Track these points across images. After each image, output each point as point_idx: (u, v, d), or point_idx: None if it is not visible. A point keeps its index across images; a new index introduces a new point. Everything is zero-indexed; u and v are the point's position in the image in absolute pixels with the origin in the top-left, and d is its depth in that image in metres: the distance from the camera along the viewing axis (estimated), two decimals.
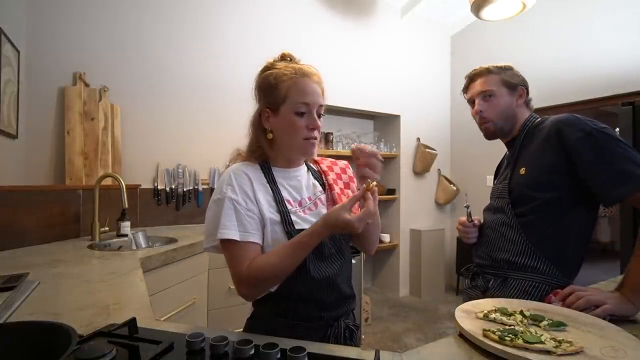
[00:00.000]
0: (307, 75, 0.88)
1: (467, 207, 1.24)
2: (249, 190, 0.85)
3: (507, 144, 1.24)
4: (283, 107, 0.87)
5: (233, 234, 0.81)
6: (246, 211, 0.83)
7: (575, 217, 1.04)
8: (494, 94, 1.16)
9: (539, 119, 1.16)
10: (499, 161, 1.32)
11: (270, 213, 0.85)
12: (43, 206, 1.80)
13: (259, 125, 0.91)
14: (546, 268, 1.04)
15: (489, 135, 1.22)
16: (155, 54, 2.54)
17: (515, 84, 1.17)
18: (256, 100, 0.94)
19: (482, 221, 1.24)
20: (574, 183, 1.00)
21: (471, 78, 1.22)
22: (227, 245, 0.82)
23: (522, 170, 1.09)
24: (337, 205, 0.78)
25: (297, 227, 0.85)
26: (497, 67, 1.19)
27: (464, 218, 1.24)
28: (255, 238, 0.83)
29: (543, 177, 1.04)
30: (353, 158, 0.88)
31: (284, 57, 0.93)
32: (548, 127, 1.06)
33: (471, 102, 1.23)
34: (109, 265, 1.34)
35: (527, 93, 1.20)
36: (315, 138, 0.89)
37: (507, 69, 1.19)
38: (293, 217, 0.86)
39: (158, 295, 1.52)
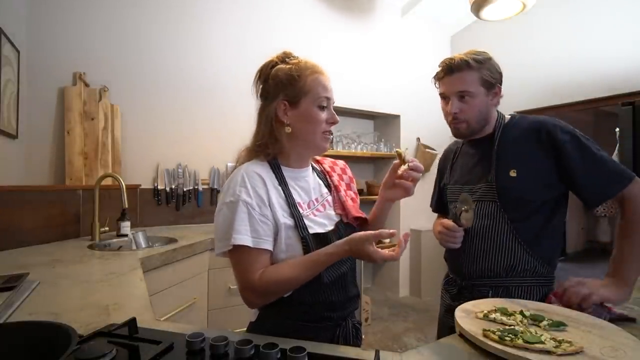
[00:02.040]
0: (323, 72, 0.90)
1: (466, 210, 1.05)
2: (264, 193, 0.82)
3: (473, 142, 1.17)
4: (304, 100, 0.86)
5: (246, 239, 0.77)
6: (260, 216, 0.80)
7: (561, 215, 1.07)
8: (471, 94, 1.05)
9: (507, 116, 1.14)
10: None
11: (284, 218, 0.82)
12: (43, 206, 1.80)
13: (276, 118, 0.87)
14: (543, 269, 1.04)
15: (459, 135, 1.14)
16: (155, 54, 2.54)
17: (492, 83, 1.07)
18: (262, 94, 0.91)
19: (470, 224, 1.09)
20: (563, 183, 1.02)
21: (447, 71, 1.08)
22: (239, 252, 0.79)
23: (513, 172, 1.03)
24: (361, 234, 0.74)
25: (311, 231, 0.83)
26: (476, 60, 1.05)
27: (450, 221, 1.08)
28: (268, 245, 0.80)
29: (539, 179, 1.02)
30: (403, 161, 0.90)
31: (286, 54, 0.92)
32: (534, 128, 1.05)
33: (444, 96, 1.12)
34: (109, 265, 1.34)
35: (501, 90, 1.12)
36: (332, 133, 0.90)
37: (486, 61, 1.07)
38: (306, 222, 0.84)
39: (158, 295, 1.52)
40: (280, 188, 0.86)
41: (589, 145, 0.98)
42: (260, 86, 0.92)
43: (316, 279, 0.80)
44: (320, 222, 0.88)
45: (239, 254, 0.79)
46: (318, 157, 1.04)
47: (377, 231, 0.74)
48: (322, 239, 0.84)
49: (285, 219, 0.82)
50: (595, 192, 0.98)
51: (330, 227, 0.89)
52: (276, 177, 0.87)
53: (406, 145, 3.88)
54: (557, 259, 1.08)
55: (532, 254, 1.03)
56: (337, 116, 0.90)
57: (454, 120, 1.10)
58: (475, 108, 1.07)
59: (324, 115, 0.87)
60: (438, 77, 1.13)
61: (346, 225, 0.93)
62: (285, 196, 0.85)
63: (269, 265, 0.81)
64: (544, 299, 1.00)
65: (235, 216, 0.78)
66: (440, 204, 1.35)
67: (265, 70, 0.90)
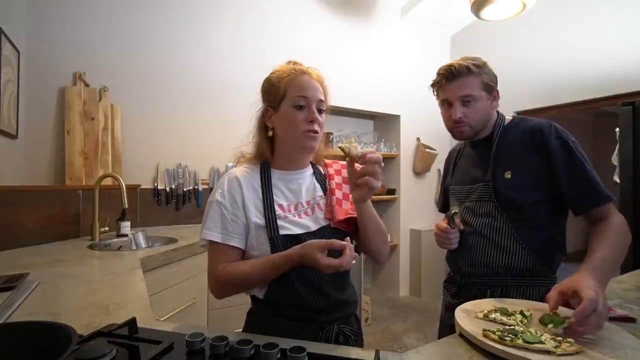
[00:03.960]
0: (306, 72, 0.91)
1: (455, 213, 1.09)
2: (238, 196, 0.88)
3: (474, 143, 1.18)
4: (282, 103, 0.89)
5: (215, 235, 0.85)
6: (231, 215, 0.87)
7: (562, 217, 1.08)
8: (474, 98, 1.06)
9: (505, 118, 1.15)
10: None
11: (257, 218, 0.86)
12: (43, 206, 1.80)
13: (261, 124, 0.94)
14: (543, 270, 1.04)
15: (462, 138, 1.14)
16: (155, 54, 2.54)
17: (492, 87, 1.10)
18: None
19: (462, 227, 1.12)
20: (556, 186, 1.02)
21: (448, 77, 1.08)
22: (210, 245, 0.87)
23: (508, 174, 1.04)
24: (314, 241, 0.77)
25: (282, 232, 0.85)
26: (475, 65, 1.06)
27: (444, 224, 1.12)
28: (236, 242, 0.86)
29: (532, 181, 1.02)
30: (350, 158, 0.83)
31: (289, 62, 0.95)
32: (529, 130, 1.06)
33: (446, 102, 1.11)
34: (109, 265, 1.34)
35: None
36: (315, 132, 0.88)
37: (484, 66, 1.08)
38: (280, 222, 0.86)
39: (158, 295, 1.52)
40: (260, 190, 0.90)
41: (580, 157, 0.99)
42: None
43: (286, 280, 0.83)
44: (304, 224, 0.88)
45: (210, 248, 0.88)
46: (327, 161, 1.04)
47: (329, 240, 0.76)
48: (294, 240, 0.84)
49: (257, 219, 0.86)
50: (577, 202, 0.99)
51: (312, 230, 0.88)
52: (261, 179, 0.91)
53: (405, 144, 3.89)
54: (558, 260, 1.08)
55: (531, 254, 1.03)
56: (316, 114, 0.87)
57: (457, 125, 1.09)
58: (479, 112, 1.08)
59: (301, 115, 0.87)
60: (438, 85, 1.12)
61: (334, 230, 0.90)
62: (263, 198, 0.89)
63: (237, 260, 0.87)
64: (540, 299, 1.00)
65: (209, 214, 0.88)
66: (445, 204, 1.35)
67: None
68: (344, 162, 1.02)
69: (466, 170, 1.19)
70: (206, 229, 0.86)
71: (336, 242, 0.76)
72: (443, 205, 1.38)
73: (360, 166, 0.81)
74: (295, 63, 0.94)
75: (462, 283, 1.14)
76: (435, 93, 1.18)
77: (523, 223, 1.03)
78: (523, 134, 1.07)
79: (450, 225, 1.10)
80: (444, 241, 1.14)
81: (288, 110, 0.88)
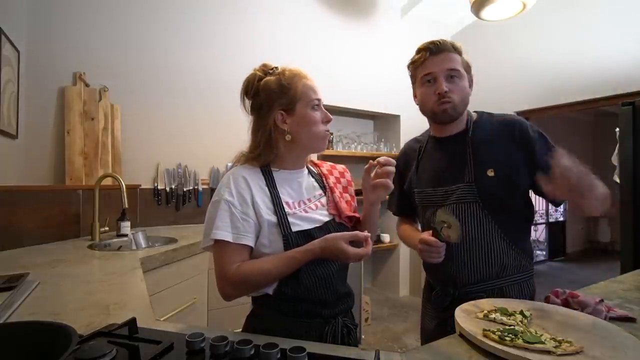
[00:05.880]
0: (308, 77, 0.94)
1: (448, 225, 0.97)
2: (247, 194, 0.87)
3: (442, 140, 1.12)
4: (299, 106, 0.90)
5: (226, 235, 0.83)
6: (241, 214, 0.85)
7: (532, 207, 1.12)
8: (459, 75, 1.03)
9: (473, 114, 1.12)
10: None
11: (268, 215, 0.86)
12: (43, 206, 1.80)
13: (275, 128, 0.90)
14: (527, 263, 1.06)
15: (445, 117, 1.05)
16: (155, 54, 2.54)
17: (470, 69, 1.08)
18: (254, 108, 0.95)
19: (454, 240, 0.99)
20: (531, 179, 1.01)
21: (433, 50, 1.04)
22: (219, 245, 0.84)
23: (491, 172, 1.01)
24: (337, 234, 0.81)
25: (294, 229, 0.86)
26: (457, 44, 1.06)
27: (430, 237, 0.99)
28: (248, 241, 0.85)
29: (515, 176, 1.01)
30: (369, 170, 0.91)
31: (267, 66, 0.97)
32: (507, 125, 1.06)
33: (429, 77, 1.05)
34: (109, 265, 1.34)
35: None
36: (329, 131, 0.95)
37: (461, 48, 1.07)
38: (290, 219, 0.87)
39: (158, 295, 1.52)
40: (267, 189, 0.89)
41: (555, 147, 0.99)
42: (251, 101, 0.96)
43: (297, 276, 0.83)
44: (310, 219, 0.90)
45: (219, 248, 0.84)
46: (316, 161, 1.07)
47: (353, 232, 0.81)
48: (306, 236, 0.86)
49: (268, 217, 0.86)
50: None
51: (319, 225, 0.90)
52: (265, 179, 0.91)
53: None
54: (533, 250, 1.12)
55: (517, 250, 1.04)
56: (329, 114, 0.94)
57: (441, 100, 1.03)
58: (462, 90, 1.05)
59: (319, 115, 0.92)
60: (421, 60, 1.06)
61: (338, 224, 0.94)
62: (272, 196, 0.88)
63: (247, 259, 0.85)
64: (532, 293, 1.01)
65: (217, 213, 0.85)
66: (404, 208, 1.27)
67: (252, 85, 0.95)
68: (332, 164, 1.08)
69: (438, 170, 1.11)
70: (215, 228, 0.83)
71: (359, 233, 0.80)
72: (401, 208, 1.29)
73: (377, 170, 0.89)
74: (272, 67, 0.96)
75: (456, 295, 1.06)
76: (412, 74, 1.13)
77: (507, 220, 1.03)
78: (499, 130, 1.06)
79: (439, 238, 0.98)
80: (432, 256, 1.00)
81: (306, 111, 0.90)
